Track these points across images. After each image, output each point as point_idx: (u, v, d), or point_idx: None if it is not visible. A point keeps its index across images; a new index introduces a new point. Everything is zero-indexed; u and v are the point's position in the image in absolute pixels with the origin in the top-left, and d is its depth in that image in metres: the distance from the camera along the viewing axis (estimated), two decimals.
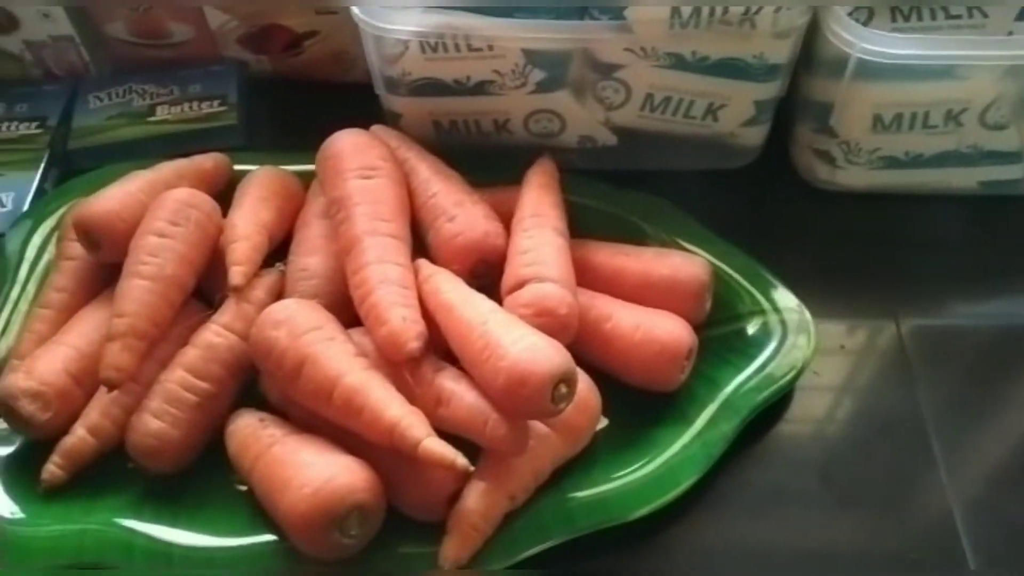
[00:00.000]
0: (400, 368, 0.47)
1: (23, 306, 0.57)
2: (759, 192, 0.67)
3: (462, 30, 0.56)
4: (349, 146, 0.56)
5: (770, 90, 0.60)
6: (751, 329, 0.54)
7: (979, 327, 0.60)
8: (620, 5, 0.54)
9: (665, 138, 0.63)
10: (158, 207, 0.54)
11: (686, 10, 0.54)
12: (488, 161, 0.61)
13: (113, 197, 0.56)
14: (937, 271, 0.61)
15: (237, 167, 0.64)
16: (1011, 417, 0.55)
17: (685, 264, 0.54)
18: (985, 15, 0.55)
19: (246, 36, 0.72)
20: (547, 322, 0.48)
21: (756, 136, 0.64)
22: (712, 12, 0.54)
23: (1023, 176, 0.62)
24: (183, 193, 0.55)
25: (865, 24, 0.56)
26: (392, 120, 0.64)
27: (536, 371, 0.43)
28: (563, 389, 0.44)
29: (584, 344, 0.51)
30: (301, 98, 0.73)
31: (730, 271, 0.57)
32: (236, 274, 0.52)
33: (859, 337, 0.59)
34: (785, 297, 0.55)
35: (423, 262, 0.53)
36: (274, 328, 0.46)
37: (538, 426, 0.46)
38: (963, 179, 0.62)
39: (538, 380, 0.43)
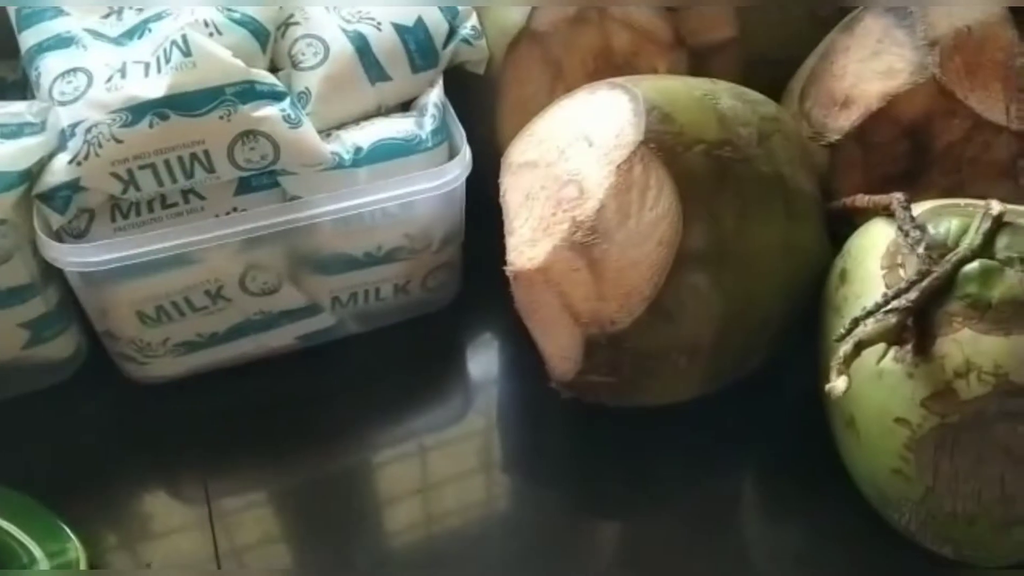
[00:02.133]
0: None
1: None
2: (86, 403, 0.62)
3: None
4: None
5: (31, 310, 0.56)
6: None
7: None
8: None
9: None
10: None
11: None
12: None
13: None
14: (247, 437, 0.60)
15: None
16: None
17: None
18: (202, 197, 0.55)
19: None
20: None
21: (59, 349, 0.60)
22: None
23: (336, 322, 0.63)
24: None
25: (87, 228, 0.54)
26: None
27: None
28: None
29: None
30: None
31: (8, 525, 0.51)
32: None
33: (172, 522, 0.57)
34: (62, 536, 0.50)
35: None
36: None
37: None
38: (278, 340, 0.62)
39: None
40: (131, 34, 0.57)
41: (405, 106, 0.63)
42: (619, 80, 0.54)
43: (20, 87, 0.64)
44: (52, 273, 0.56)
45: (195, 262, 0.55)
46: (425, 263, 0.62)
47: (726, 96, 0.53)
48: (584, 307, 0.52)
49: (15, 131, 0.54)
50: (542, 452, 0.62)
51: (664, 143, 0.50)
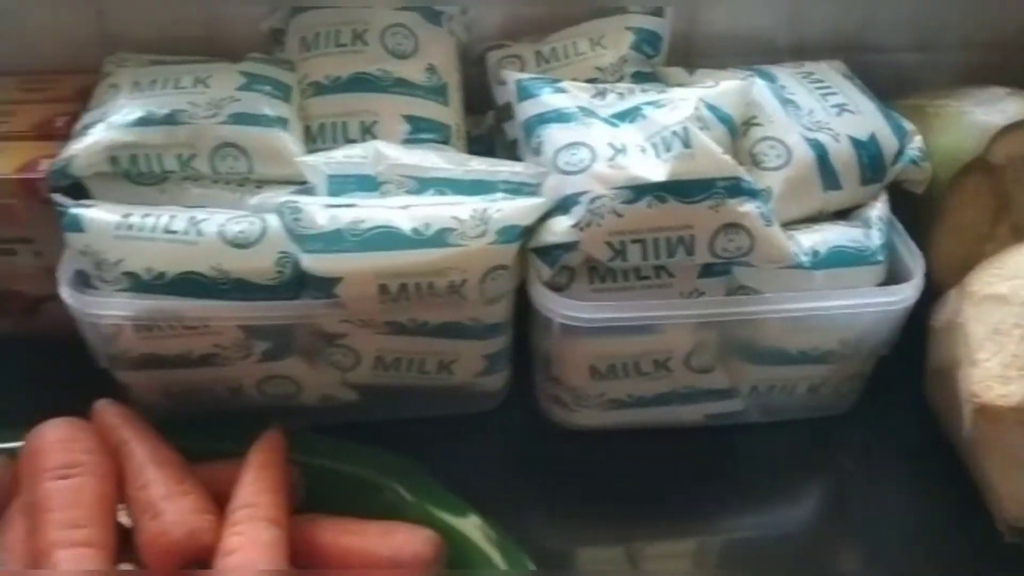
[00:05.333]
0: None
1: None
2: (508, 433, 0.68)
3: (172, 314, 0.56)
4: (50, 442, 0.53)
5: (496, 344, 0.62)
6: None
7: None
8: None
9: (407, 390, 0.64)
10: None
11: (393, 287, 0.56)
12: (225, 425, 0.60)
13: None
14: (674, 496, 0.64)
15: None
16: None
17: (408, 542, 0.53)
18: (671, 275, 0.59)
19: None
20: None
21: (495, 382, 0.66)
22: (419, 288, 0.56)
23: (744, 407, 0.65)
24: None
25: (566, 286, 0.59)
26: (123, 391, 0.62)
27: None
28: None
29: None
30: (41, 358, 0.70)
31: (466, 533, 0.56)
32: None
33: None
34: (520, 559, 0.55)
35: (124, 570, 0.50)
36: None
37: None
38: (690, 414, 0.65)
39: None
40: (623, 117, 0.62)
41: (838, 214, 0.65)
42: None
43: (481, 141, 0.73)
44: (508, 320, 0.62)
45: (658, 333, 0.59)
46: (845, 369, 0.64)
47: None
48: None
49: (516, 188, 0.61)
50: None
51: None
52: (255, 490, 0.53)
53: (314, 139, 0.65)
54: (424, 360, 0.62)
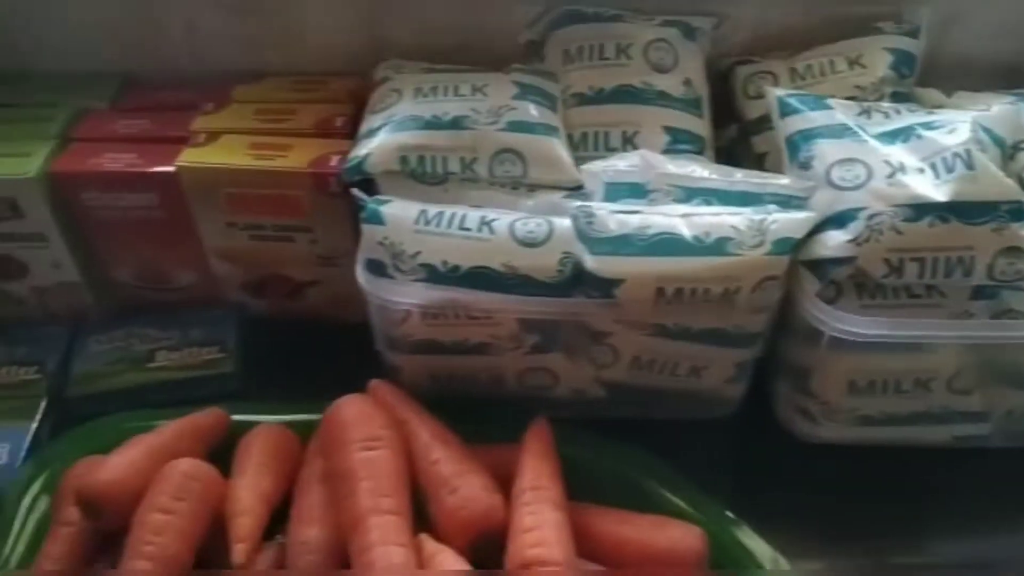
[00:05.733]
0: None
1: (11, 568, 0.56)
2: (742, 441, 0.70)
3: (463, 304, 0.60)
4: (353, 416, 0.58)
5: (749, 353, 0.64)
6: None
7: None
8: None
9: (652, 391, 0.66)
10: (161, 481, 0.55)
11: (670, 291, 0.58)
12: (483, 410, 0.64)
13: (116, 467, 0.57)
14: (919, 515, 0.64)
15: (235, 416, 0.65)
16: None
17: (684, 536, 0.55)
18: (943, 295, 0.60)
19: (248, 283, 0.76)
20: None
21: (737, 390, 0.67)
22: (694, 293, 0.58)
23: (991, 431, 0.65)
24: (186, 465, 0.56)
25: (834, 300, 0.60)
26: (391, 372, 0.66)
27: None
28: None
29: None
30: (301, 339, 0.76)
31: (722, 535, 0.58)
32: (239, 552, 0.53)
33: None
34: (777, 561, 0.57)
35: (425, 539, 0.54)
36: None
37: None
38: (937, 434, 0.65)
39: None
40: (895, 136, 0.63)
41: None
42: None
43: (723, 153, 0.74)
44: (765, 331, 0.63)
45: (926, 352, 0.60)
46: None
47: None
48: None
49: (784, 201, 0.62)
50: None
51: None
52: (538, 474, 0.57)
53: (576, 147, 0.68)
54: (678, 364, 0.64)
